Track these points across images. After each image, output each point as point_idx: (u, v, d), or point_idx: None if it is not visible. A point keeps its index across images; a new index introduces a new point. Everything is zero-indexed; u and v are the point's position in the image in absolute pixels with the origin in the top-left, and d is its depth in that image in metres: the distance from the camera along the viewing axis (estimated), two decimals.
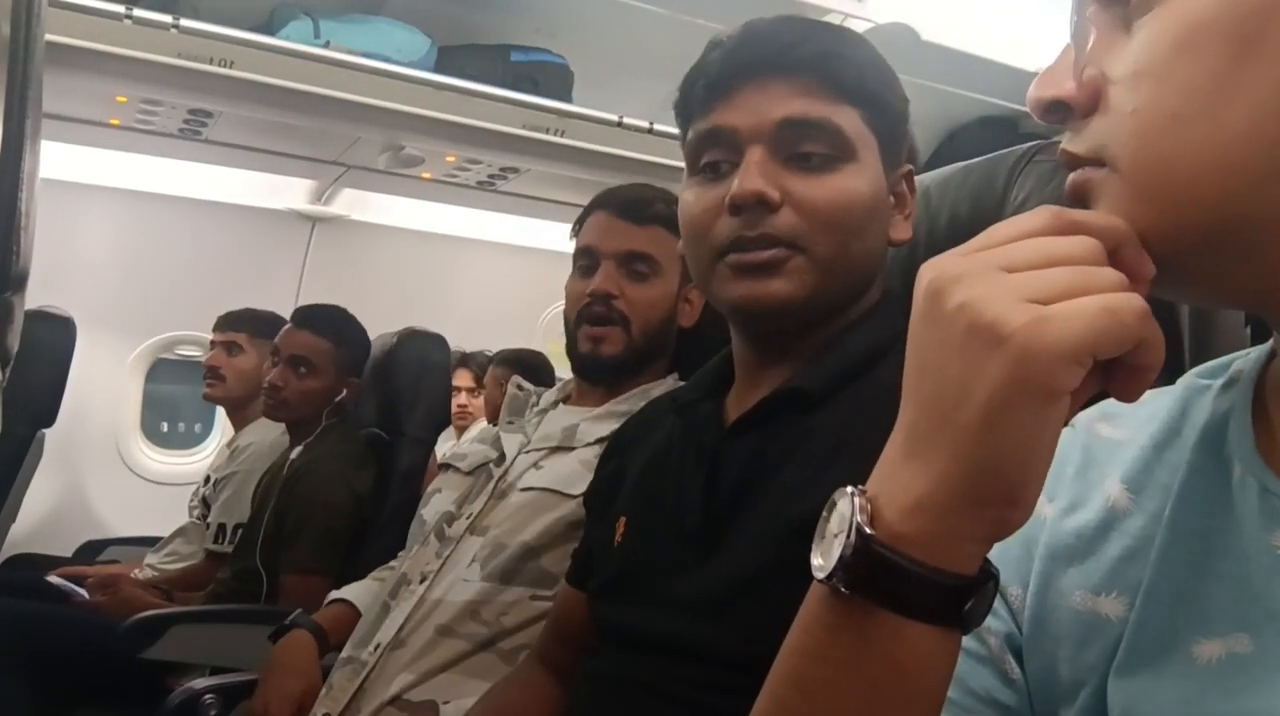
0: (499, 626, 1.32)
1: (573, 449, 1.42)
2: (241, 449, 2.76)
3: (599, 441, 1.37)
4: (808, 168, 0.89)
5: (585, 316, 1.45)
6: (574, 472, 1.37)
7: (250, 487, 2.53)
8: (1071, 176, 0.49)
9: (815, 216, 0.89)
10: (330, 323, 2.45)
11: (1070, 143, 0.49)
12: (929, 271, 0.45)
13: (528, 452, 1.47)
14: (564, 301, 1.52)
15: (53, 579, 2.50)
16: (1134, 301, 0.41)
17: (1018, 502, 0.44)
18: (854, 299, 0.94)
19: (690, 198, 0.95)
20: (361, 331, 2.52)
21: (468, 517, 1.43)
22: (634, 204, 1.48)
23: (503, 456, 1.49)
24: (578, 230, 1.53)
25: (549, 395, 1.60)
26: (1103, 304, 0.41)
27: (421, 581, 1.39)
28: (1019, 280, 0.42)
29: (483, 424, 3.47)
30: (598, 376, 1.49)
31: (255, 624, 2.02)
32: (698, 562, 0.91)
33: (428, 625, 1.34)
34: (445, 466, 1.61)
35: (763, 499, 0.88)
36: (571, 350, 1.50)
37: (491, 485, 1.45)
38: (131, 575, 2.65)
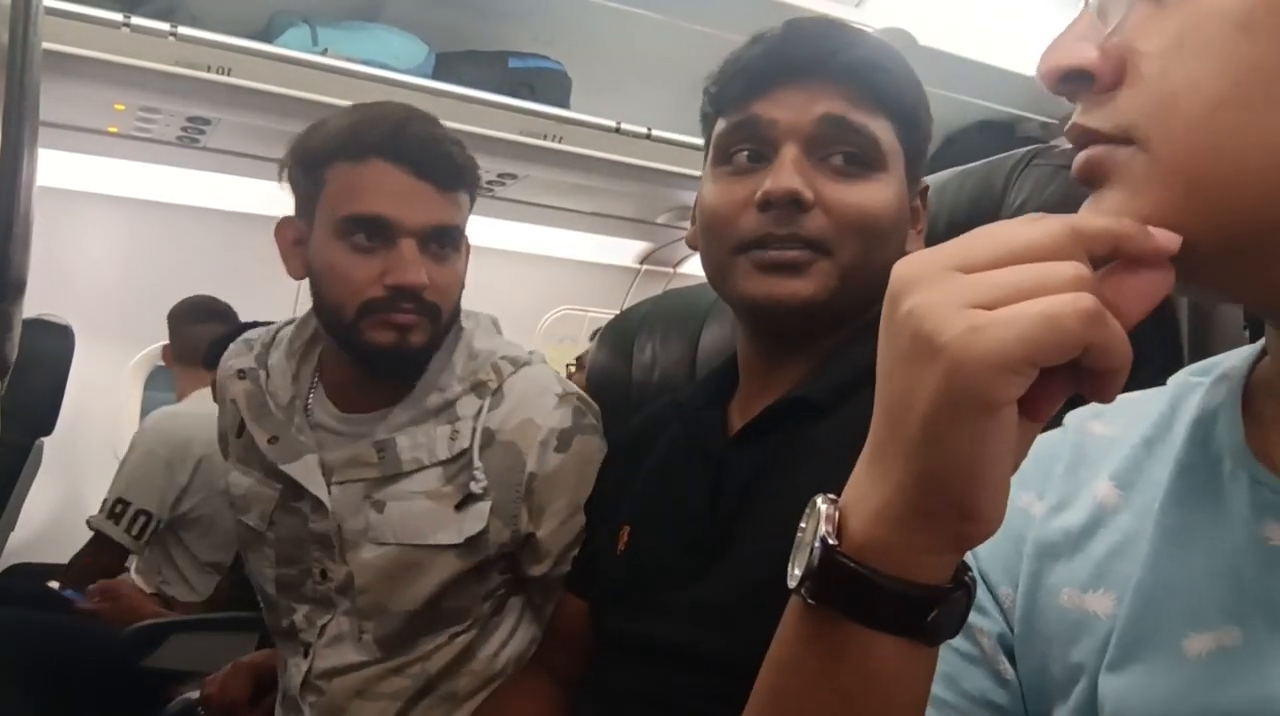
0: (425, 675, 1.19)
1: (401, 476, 1.17)
2: None
3: (453, 476, 1.16)
4: (841, 172, 0.89)
5: (380, 309, 1.13)
6: (430, 514, 1.16)
7: None
8: (1085, 153, 0.45)
9: (844, 221, 0.88)
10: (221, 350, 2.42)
11: (1087, 116, 0.45)
12: (894, 271, 0.44)
13: (341, 485, 1.18)
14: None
15: (54, 585, 2.50)
16: (1080, 304, 0.38)
17: (971, 516, 0.42)
18: (863, 308, 0.93)
19: (714, 189, 0.93)
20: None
21: (321, 578, 1.20)
22: (435, 162, 1.16)
23: (298, 491, 1.20)
24: (316, 168, 1.16)
25: (280, 381, 1.25)
26: (1041, 310, 0.38)
27: (305, 655, 1.21)
28: (966, 283, 0.40)
29: None
30: (400, 370, 1.20)
31: (254, 632, 2.01)
32: (702, 571, 0.91)
33: (340, 693, 1.20)
34: (236, 516, 1.30)
35: (768, 508, 0.88)
36: (353, 341, 1.16)
37: (332, 537, 1.18)
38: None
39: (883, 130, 0.90)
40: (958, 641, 0.56)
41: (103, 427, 3.55)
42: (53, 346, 2.44)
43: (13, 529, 2.61)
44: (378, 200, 1.13)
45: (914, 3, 2.56)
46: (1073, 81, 0.45)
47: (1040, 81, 0.47)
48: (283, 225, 1.23)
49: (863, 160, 0.89)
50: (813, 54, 0.90)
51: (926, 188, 0.98)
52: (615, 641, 1.00)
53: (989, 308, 0.39)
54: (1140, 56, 0.43)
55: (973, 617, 0.56)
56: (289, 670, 1.24)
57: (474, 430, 1.17)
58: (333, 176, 1.15)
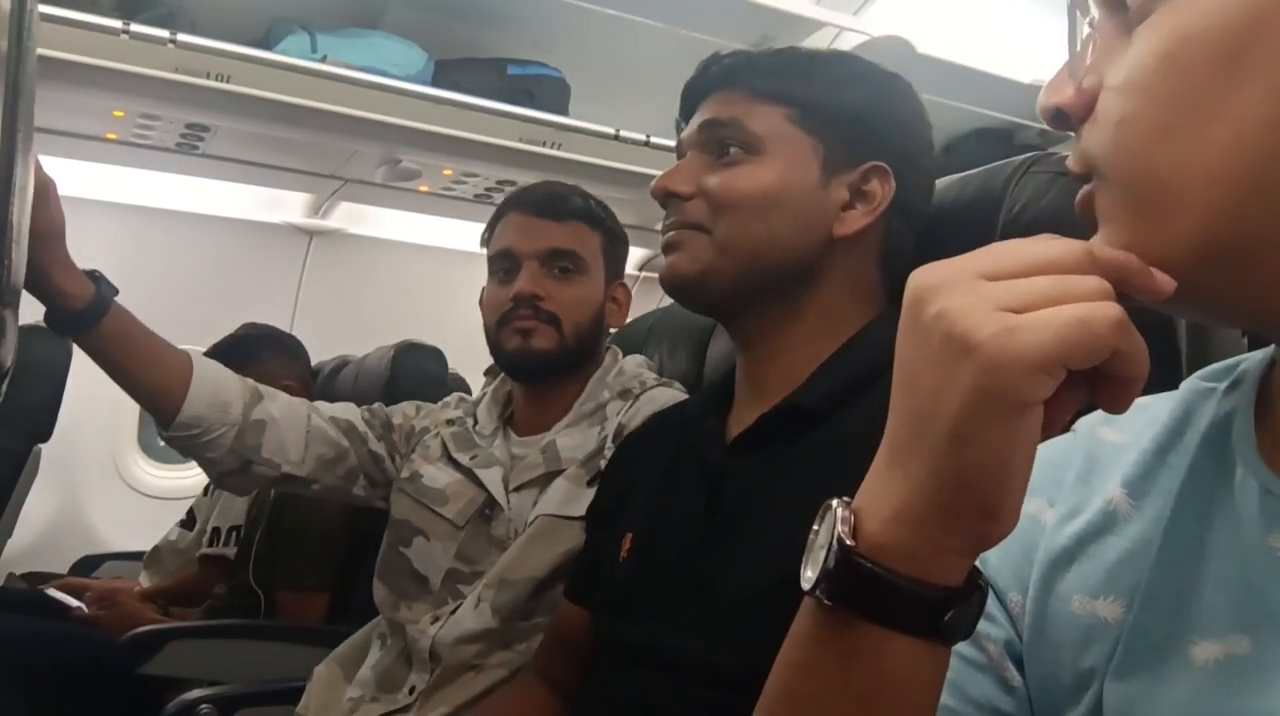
0: (530, 651, 1.29)
1: (561, 471, 1.35)
2: None
3: (587, 459, 1.34)
4: (722, 163, 0.98)
5: (510, 320, 1.38)
6: (567, 492, 1.33)
7: None
8: (1078, 195, 0.49)
9: (717, 203, 0.97)
10: (225, 357, 2.42)
11: (1071, 158, 0.49)
12: (913, 279, 0.45)
13: (516, 491, 1.38)
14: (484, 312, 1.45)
15: (52, 591, 2.49)
16: (1109, 311, 0.41)
17: (994, 515, 0.43)
18: (765, 280, 0.97)
19: None
20: (266, 343, 2.48)
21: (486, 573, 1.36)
22: (549, 200, 1.43)
23: (491, 499, 1.39)
24: (488, 239, 1.48)
25: (486, 419, 1.49)
26: (1074, 314, 0.40)
27: (434, 622, 1.34)
28: (995, 289, 0.42)
29: None
30: (531, 373, 1.41)
31: (252, 639, 2.01)
32: (702, 580, 0.91)
33: (454, 665, 1.31)
34: (418, 503, 1.45)
35: (766, 516, 0.88)
36: (498, 353, 1.42)
37: (509, 542, 1.35)
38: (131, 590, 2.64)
39: (762, 117, 0.97)
40: (964, 648, 0.56)
41: (100, 434, 3.55)
42: (51, 353, 2.43)
43: (10, 535, 2.60)
44: (506, 238, 1.42)
45: (913, 11, 2.56)
46: (1057, 119, 0.48)
47: (1040, 120, 0.50)
48: (482, 291, 1.50)
49: (740, 148, 0.98)
50: (700, 76, 1.03)
51: (878, 166, 0.98)
52: (615, 650, 1.00)
53: (1018, 312, 0.41)
54: (1103, 93, 0.46)
55: (980, 624, 0.56)
56: (411, 632, 1.36)
57: (614, 424, 1.36)
58: (491, 239, 1.47)
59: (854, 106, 0.98)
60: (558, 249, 1.39)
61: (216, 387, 1.34)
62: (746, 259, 0.96)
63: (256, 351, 2.43)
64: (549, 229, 1.40)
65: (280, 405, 1.41)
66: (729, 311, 1.02)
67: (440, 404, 1.58)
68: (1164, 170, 0.43)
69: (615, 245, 1.48)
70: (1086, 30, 0.48)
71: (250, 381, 1.42)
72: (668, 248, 1.01)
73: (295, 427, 1.42)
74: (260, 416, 1.38)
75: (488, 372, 1.78)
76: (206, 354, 2.43)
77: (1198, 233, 0.43)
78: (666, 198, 1.00)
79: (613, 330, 1.49)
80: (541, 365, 1.38)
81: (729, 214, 0.97)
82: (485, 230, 1.49)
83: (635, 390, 1.39)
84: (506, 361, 1.41)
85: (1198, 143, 0.42)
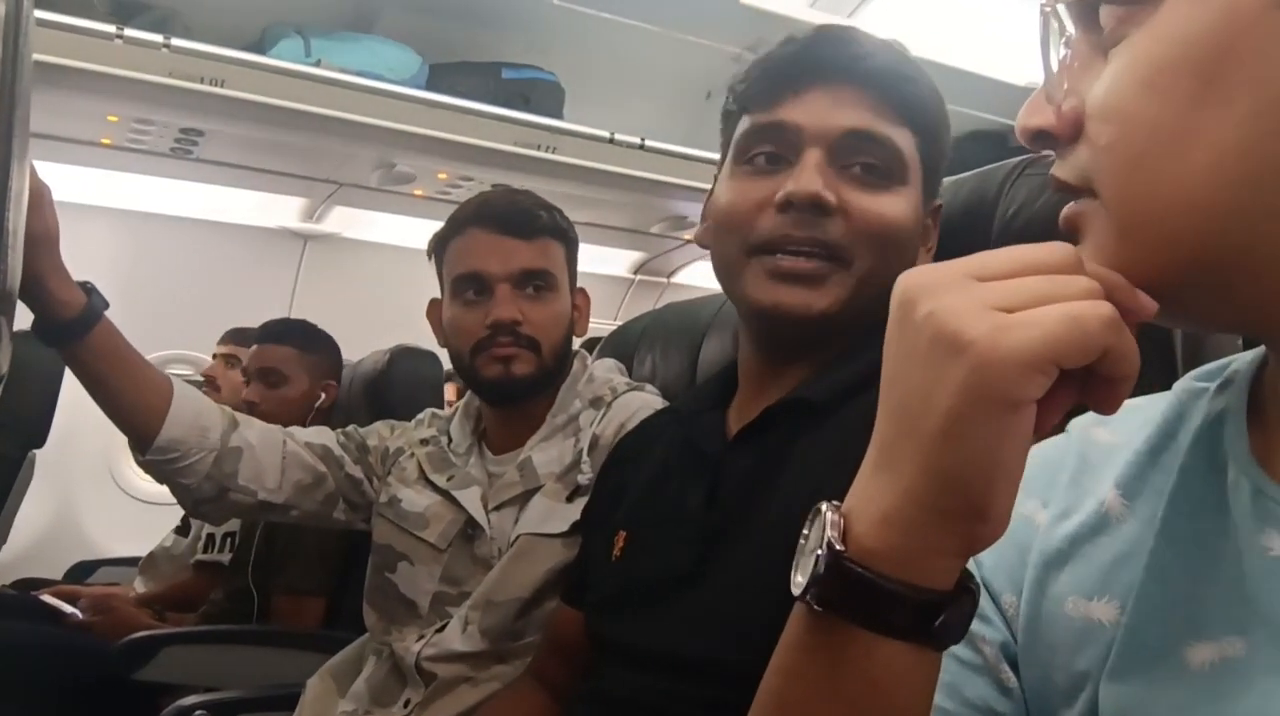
0: (525, 665, 1.28)
1: (539, 488, 1.33)
2: None
3: (564, 472, 1.32)
4: (862, 181, 0.88)
5: (487, 346, 1.33)
6: (546, 510, 1.31)
7: None
8: (1065, 209, 0.49)
9: (865, 229, 0.87)
10: (292, 332, 2.46)
11: (1059, 168, 0.49)
12: (903, 280, 0.45)
13: (496, 511, 1.35)
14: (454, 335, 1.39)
15: (46, 598, 2.49)
16: (1101, 309, 0.41)
17: (984, 516, 0.43)
18: (869, 318, 0.92)
19: (733, 188, 0.92)
20: (328, 339, 2.52)
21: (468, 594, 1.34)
22: (518, 217, 1.36)
23: (472, 520, 1.36)
24: (440, 251, 1.41)
25: (460, 436, 1.46)
26: (1065, 312, 0.40)
27: (418, 640, 1.33)
28: (986, 289, 0.42)
29: None
30: (513, 398, 1.38)
31: (248, 645, 2.00)
32: (699, 576, 0.90)
33: (448, 678, 1.30)
34: (399, 528, 1.42)
35: (764, 511, 0.87)
36: (475, 381, 1.38)
37: (493, 561, 1.33)
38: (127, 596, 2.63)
39: (905, 141, 0.89)
40: (960, 650, 0.56)
41: (95, 440, 3.54)
42: (45, 359, 2.42)
43: (4, 541, 2.60)
44: (473, 259, 1.35)
45: (907, 13, 2.57)
46: (1040, 140, 0.49)
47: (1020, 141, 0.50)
48: (431, 306, 1.45)
49: (884, 171, 0.89)
50: (843, 58, 0.89)
51: (939, 206, 0.97)
52: (611, 649, 1.00)
53: (1009, 311, 0.41)
54: (1086, 115, 0.46)
55: (975, 626, 0.56)
56: (397, 649, 1.35)
57: (588, 435, 1.33)
58: (446, 254, 1.39)
59: (946, 138, 0.95)
60: (530, 270, 1.35)
61: (197, 411, 1.31)
62: (874, 299, 0.83)
63: (317, 342, 2.47)
64: (519, 249, 1.35)
65: (256, 432, 1.39)
66: (817, 344, 0.92)
67: (414, 422, 1.55)
68: (1150, 196, 0.43)
69: (573, 251, 1.44)
70: (1062, 51, 0.48)
71: (227, 408, 1.39)
72: (799, 278, 0.88)
73: (271, 454, 1.39)
74: (237, 443, 1.35)
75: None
76: (261, 327, 2.46)
77: (1181, 254, 0.43)
78: (811, 206, 0.86)
79: (577, 338, 1.45)
80: (523, 390, 1.36)
81: (874, 245, 0.88)
82: (435, 241, 1.42)
83: (606, 397, 1.37)
84: (486, 389, 1.38)
85: (1178, 169, 0.42)
